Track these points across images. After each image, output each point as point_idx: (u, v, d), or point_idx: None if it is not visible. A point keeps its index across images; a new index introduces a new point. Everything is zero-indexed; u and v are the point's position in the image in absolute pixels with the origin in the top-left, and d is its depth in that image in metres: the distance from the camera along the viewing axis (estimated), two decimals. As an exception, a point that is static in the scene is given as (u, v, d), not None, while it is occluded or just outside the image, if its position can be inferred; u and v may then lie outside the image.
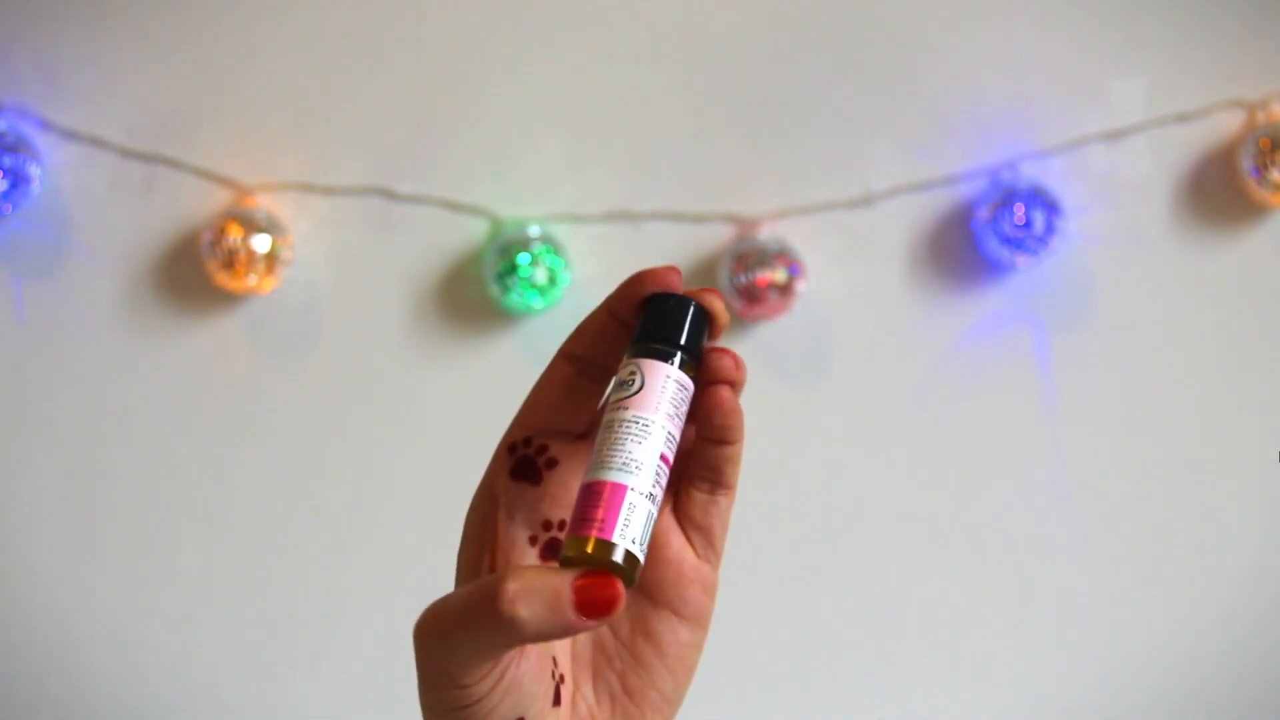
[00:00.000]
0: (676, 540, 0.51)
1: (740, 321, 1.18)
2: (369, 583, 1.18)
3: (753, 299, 1.15)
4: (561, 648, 0.50)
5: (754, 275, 1.15)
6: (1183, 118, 1.19)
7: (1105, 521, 1.21)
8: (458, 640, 0.46)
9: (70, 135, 1.16)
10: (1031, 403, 1.20)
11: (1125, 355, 1.20)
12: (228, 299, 1.18)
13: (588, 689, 0.51)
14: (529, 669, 0.48)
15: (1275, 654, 1.21)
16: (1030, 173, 1.18)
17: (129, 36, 1.17)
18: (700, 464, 0.51)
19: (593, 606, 0.45)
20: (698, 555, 0.51)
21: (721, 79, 1.19)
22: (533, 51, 1.18)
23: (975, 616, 1.20)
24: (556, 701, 0.49)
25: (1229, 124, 1.19)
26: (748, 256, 1.15)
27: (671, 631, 0.51)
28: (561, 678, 0.50)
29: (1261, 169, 1.17)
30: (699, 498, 0.51)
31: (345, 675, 1.18)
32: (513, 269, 1.14)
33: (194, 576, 1.18)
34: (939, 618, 1.20)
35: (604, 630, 0.51)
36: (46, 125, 1.16)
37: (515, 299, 1.15)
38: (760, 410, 1.20)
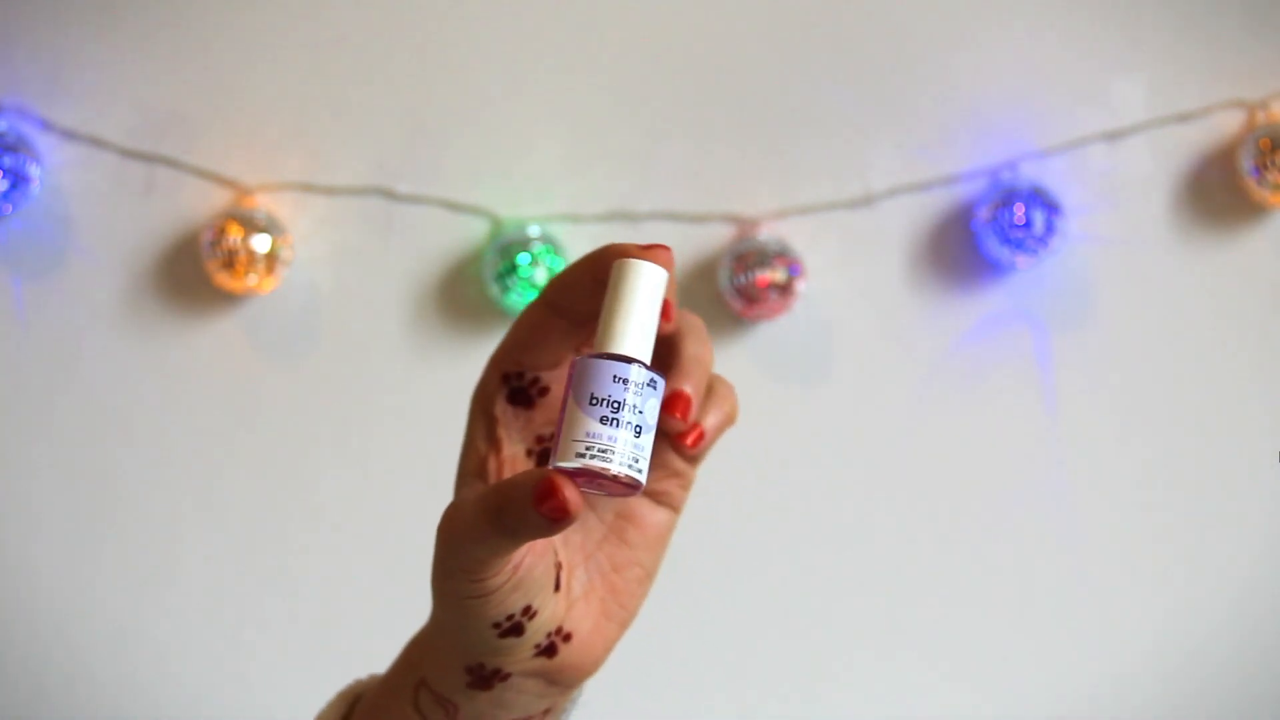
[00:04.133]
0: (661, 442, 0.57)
1: (740, 321, 1.18)
2: (369, 582, 1.18)
3: (753, 299, 1.15)
4: (559, 537, 0.56)
5: (754, 275, 1.15)
6: (1183, 118, 1.19)
7: (1105, 521, 1.21)
8: (478, 538, 0.50)
9: (70, 135, 1.16)
10: (1031, 403, 1.20)
11: (1125, 355, 1.20)
12: (228, 299, 1.18)
13: (580, 571, 0.56)
14: (535, 561, 0.53)
15: (1276, 654, 1.21)
16: (1030, 173, 1.18)
17: (129, 36, 1.17)
18: None
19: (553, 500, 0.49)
20: (678, 454, 0.57)
21: (721, 79, 1.19)
22: (532, 52, 1.18)
23: (975, 616, 1.20)
24: (556, 587, 0.55)
25: (1229, 124, 1.19)
26: (748, 256, 1.15)
27: (651, 513, 0.57)
28: (559, 565, 0.55)
29: (1261, 169, 1.17)
30: None
31: (346, 674, 1.18)
32: (513, 269, 1.14)
33: (194, 576, 1.18)
34: (939, 618, 1.20)
35: (590, 516, 0.58)
36: (46, 125, 1.16)
37: (515, 299, 1.15)
38: (760, 410, 1.20)
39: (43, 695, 1.18)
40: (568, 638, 0.55)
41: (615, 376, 0.49)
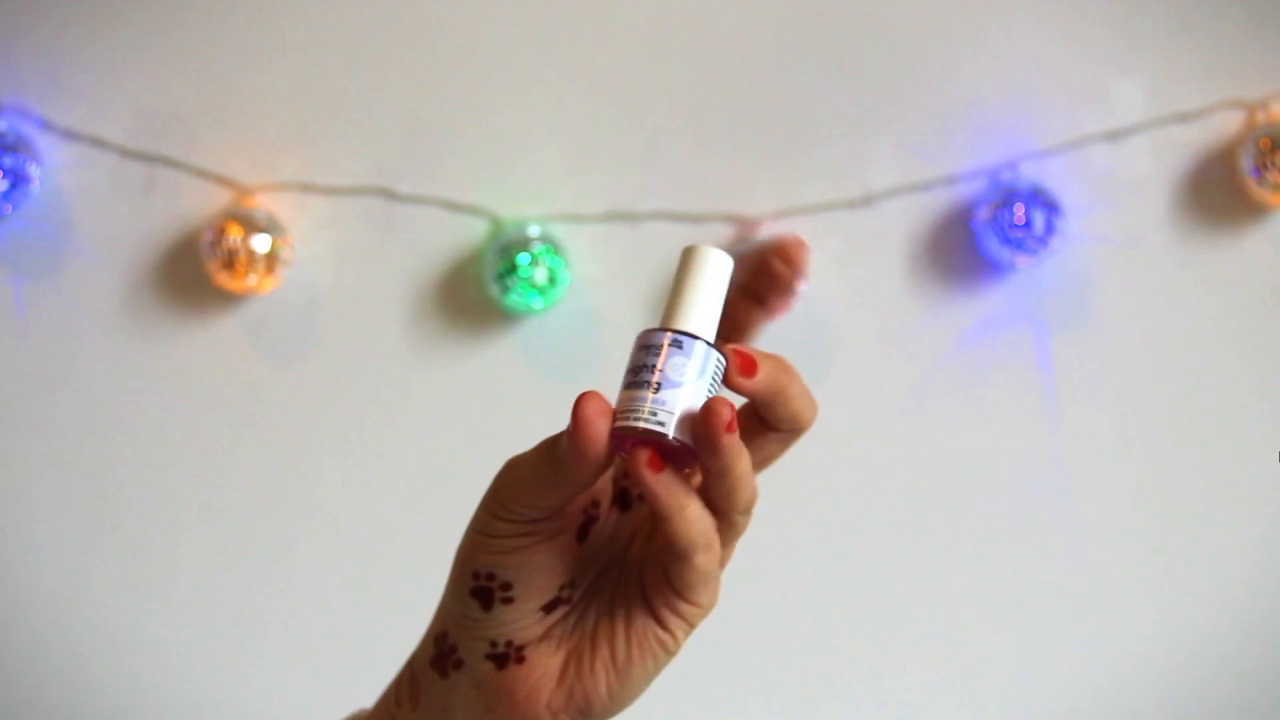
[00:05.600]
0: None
1: (740, 321, 1.18)
2: (369, 582, 1.18)
3: (753, 299, 1.15)
4: (585, 578, 0.57)
5: (754, 275, 1.15)
6: (1183, 118, 1.19)
7: (1105, 521, 1.21)
8: (530, 470, 0.53)
9: (70, 135, 1.16)
10: (1031, 403, 1.20)
11: (1125, 355, 1.20)
12: (228, 299, 1.18)
13: (573, 620, 0.56)
14: (541, 562, 0.55)
15: (1276, 654, 1.21)
16: (1030, 173, 1.18)
17: (129, 36, 1.17)
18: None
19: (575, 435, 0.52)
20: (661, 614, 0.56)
21: (721, 79, 1.19)
22: (532, 52, 1.18)
23: (975, 616, 1.20)
24: (548, 610, 0.56)
25: (1229, 124, 1.19)
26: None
27: (647, 625, 0.57)
28: (564, 598, 0.56)
29: (1261, 169, 1.17)
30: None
31: (346, 673, 1.18)
32: (513, 269, 1.14)
33: (194, 575, 1.18)
34: (939, 617, 1.20)
35: (606, 588, 0.57)
36: (46, 125, 1.16)
37: (515, 299, 1.15)
38: (760, 410, 1.20)
39: (43, 695, 1.18)
40: (520, 659, 0.55)
41: (641, 345, 0.53)
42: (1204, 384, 1.21)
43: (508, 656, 0.55)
